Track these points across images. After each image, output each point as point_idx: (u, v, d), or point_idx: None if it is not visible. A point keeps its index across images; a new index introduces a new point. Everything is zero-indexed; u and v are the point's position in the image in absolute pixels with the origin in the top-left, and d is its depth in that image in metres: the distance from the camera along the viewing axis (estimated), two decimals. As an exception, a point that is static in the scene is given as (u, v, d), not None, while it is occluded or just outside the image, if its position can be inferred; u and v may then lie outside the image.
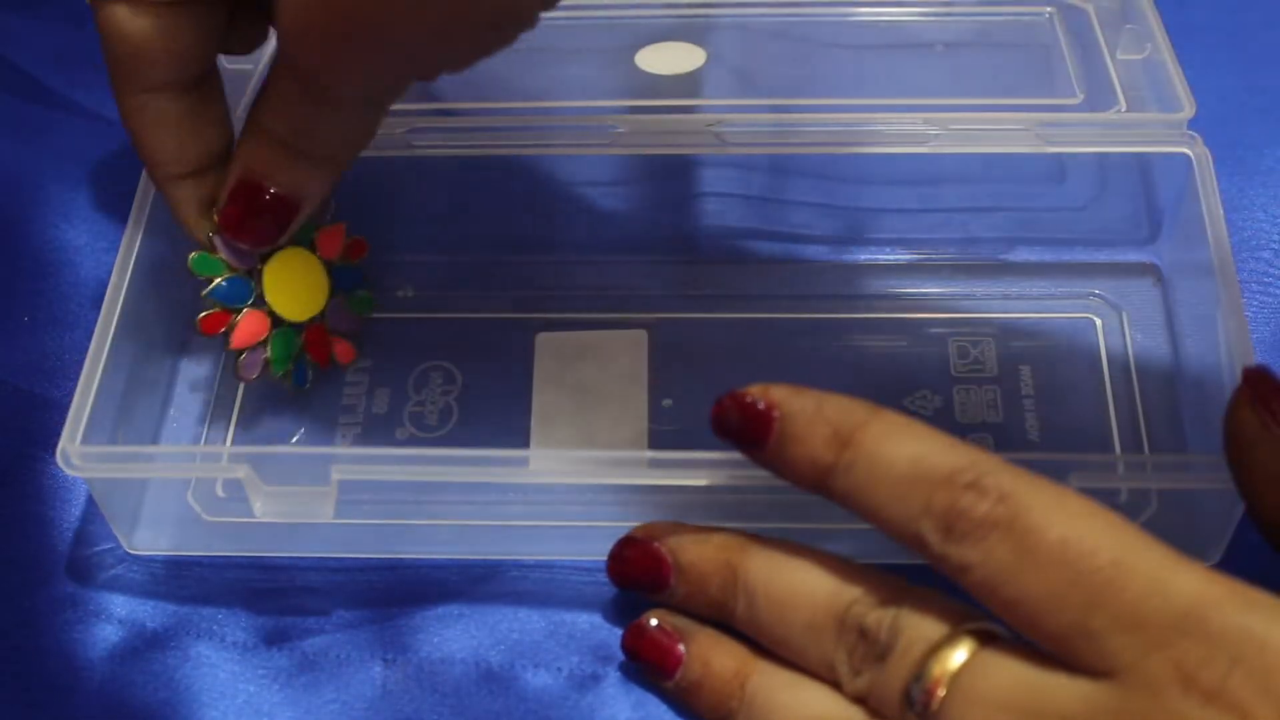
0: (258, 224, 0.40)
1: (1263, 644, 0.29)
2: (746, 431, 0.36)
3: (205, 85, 0.40)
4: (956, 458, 0.33)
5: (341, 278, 0.48)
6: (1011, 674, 0.31)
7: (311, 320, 0.47)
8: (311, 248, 0.47)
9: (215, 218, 0.42)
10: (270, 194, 0.40)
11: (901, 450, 0.33)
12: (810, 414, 0.35)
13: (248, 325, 0.45)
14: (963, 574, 0.32)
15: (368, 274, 0.49)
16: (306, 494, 0.41)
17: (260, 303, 0.45)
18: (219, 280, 0.45)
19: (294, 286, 0.46)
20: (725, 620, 0.38)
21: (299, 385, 0.47)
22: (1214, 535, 0.41)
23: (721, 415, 0.37)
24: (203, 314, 0.45)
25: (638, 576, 0.40)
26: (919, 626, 0.33)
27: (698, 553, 0.39)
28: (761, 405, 0.36)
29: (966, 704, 0.32)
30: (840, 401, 0.35)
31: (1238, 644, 0.29)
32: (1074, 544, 0.31)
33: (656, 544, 0.39)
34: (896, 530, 0.33)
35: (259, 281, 0.45)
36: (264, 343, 0.45)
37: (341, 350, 0.48)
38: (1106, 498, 0.41)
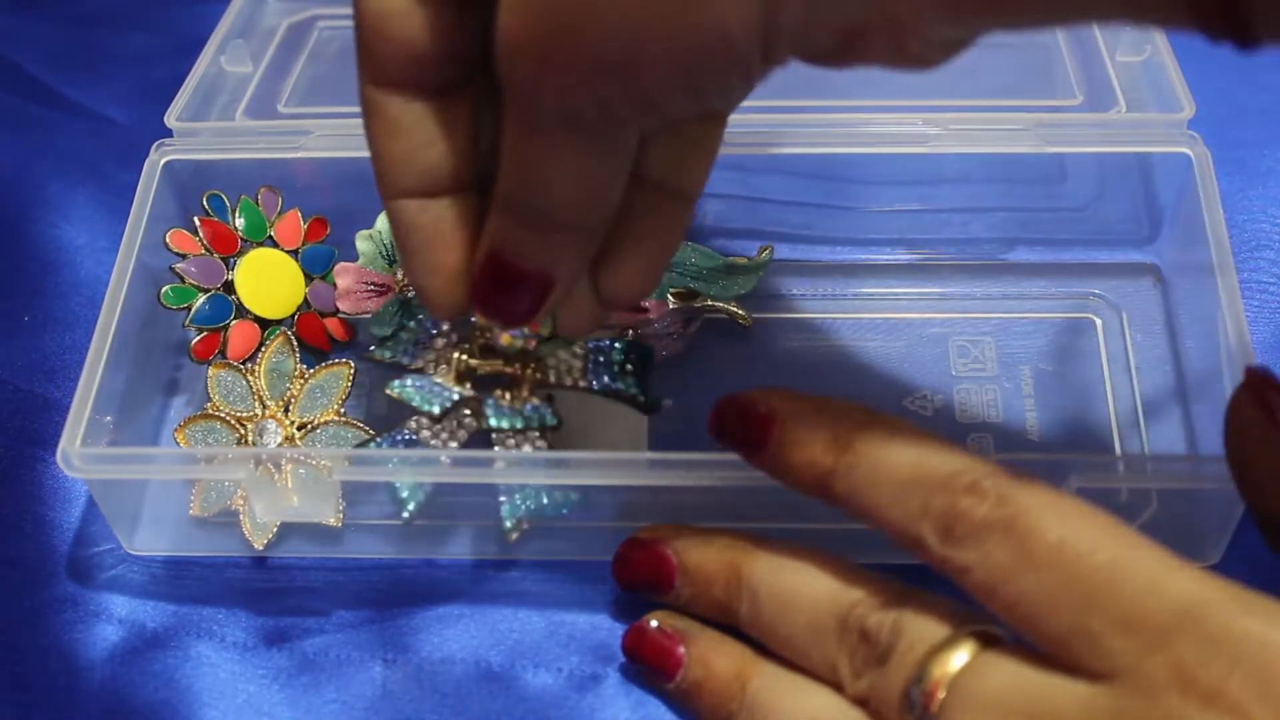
0: (509, 302, 0.34)
1: (1262, 645, 0.29)
2: (746, 436, 0.36)
3: (455, 95, 0.33)
4: (955, 461, 0.33)
5: (313, 261, 0.48)
6: (1011, 676, 0.31)
7: (298, 311, 0.48)
8: (274, 244, 0.48)
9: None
10: (519, 270, 0.34)
11: (900, 454, 0.33)
12: (809, 418, 0.35)
13: (239, 338, 0.46)
14: (962, 575, 0.32)
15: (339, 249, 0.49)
16: (307, 494, 0.41)
17: (244, 313, 0.46)
18: (198, 304, 0.45)
19: (270, 287, 0.47)
20: (729, 622, 0.38)
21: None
22: (1214, 535, 0.41)
23: (720, 419, 0.37)
24: (194, 341, 0.45)
25: (643, 578, 0.40)
26: (920, 629, 0.33)
27: (702, 555, 0.39)
28: (761, 410, 0.36)
29: (966, 706, 0.32)
30: (839, 406, 0.35)
31: (1237, 645, 0.29)
32: (1071, 545, 0.31)
33: (661, 546, 0.39)
34: (896, 532, 0.33)
35: (236, 293, 0.46)
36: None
37: (336, 329, 0.48)
38: (1106, 498, 0.41)
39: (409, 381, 0.42)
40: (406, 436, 0.42)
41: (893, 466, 0.33)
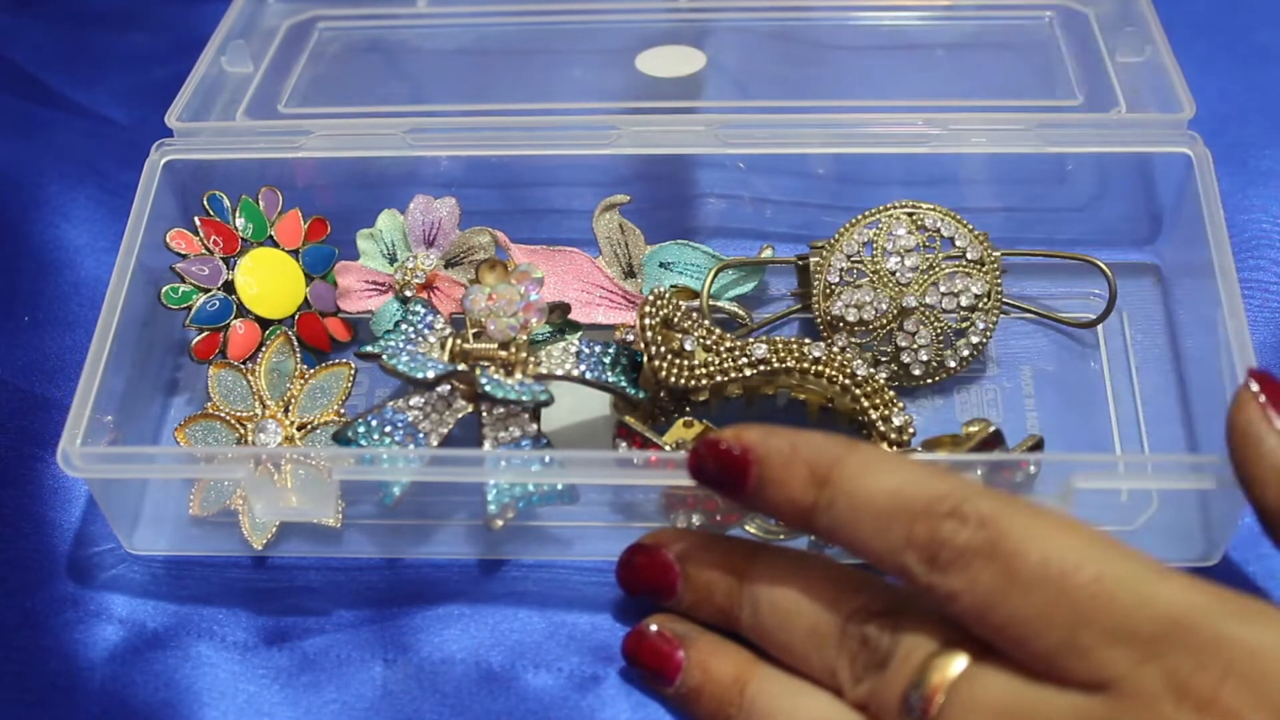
0: None
1: (1254, 652, 0.29)
2: (724, 478, 0.36)
3: None
4: (934, 486, 0.33)
5: (314, 261, 0.48)
6: (1008, 683, 0.31)
7: (299, 311, 0.48)
8: (274, 244, 0.48)
9: None
10: None
11: (879, 484, 0.33)
12: (786, 455, 0.35)
13: (240, 338, 0.46)
14: (949, 602, 0.32)
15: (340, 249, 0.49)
16: (307, 494, 0.41)
17: (244, 313, 0.46)
18: (198, 304, 0.45)
19: (270, 287, 0.47)
20: (731, 627, 0.38)
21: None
22: (1214, 535, 0.41)
23: (698, 463, 0.36)
24: (194, 341, 0.45)
25: (646, 583, 0.40)
26: (919, 635, 0.33)
27: (704, 561, 0.39)
28: (736, 450, 0.35)
29: (963, 712, 0.32)
30: (815, 439, 0.35)
31: (1228, 653, 0.29)
32: (1055, 563, 0.31)
33: (665, 551, 0.39)
34: (881, 562, 0.33)
35: (236, 293, 0.46)
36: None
37: (337, 329, 0.48)
38: (1106, 498, 0.41)
39: (403, 355, 0.42)
40: (393, 415, 0.42)
41: (872, 498, 0.33)
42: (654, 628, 0.39)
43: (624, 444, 0.41)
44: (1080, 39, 0.54)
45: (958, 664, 0.32)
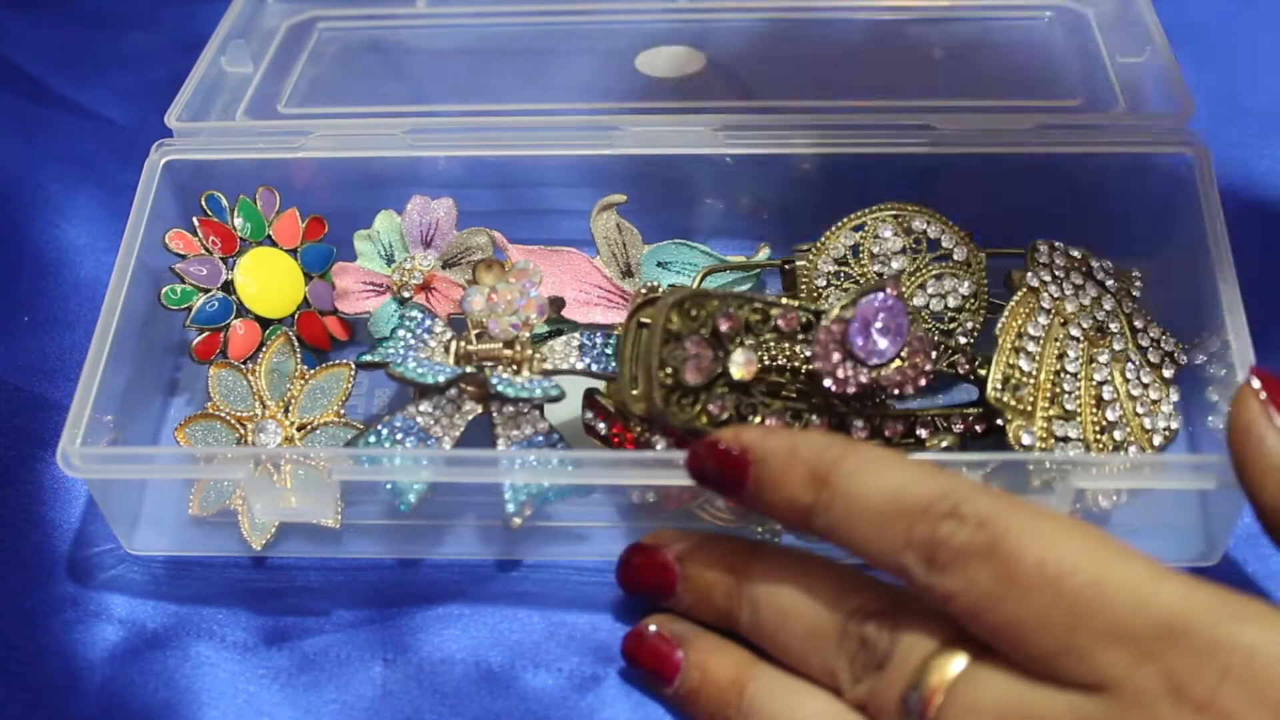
0: None
1: (1251, 653, 0.29)
2: (723, 478, 0.36)
3: None
4: (933, 486, 0.33)
5: (312, 260, 0.48)
6: (1006, 684, 0.32)
7: (298, 310, 0.48)
8: (272, 243, 0.48)
9: None
10: None
11: (878, 484, 0.33)
12: (785, 455, 0.35)
13: (240, 338, 0.46)
14: (948, 602, 0.32)
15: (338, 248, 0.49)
16: (306, 494, 0.41)
17: (244, 312, 0.46)
18: (198, 304, 0.45)
19: (270, 286, 0.47)
20: (730, 627, 0.38)
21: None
22: (1214, 535, 0.41)
23: (697, 463, 0.36)
24: (194, 341, 0.45)
25: (645, 584, 0.40)
26: (917, 636, 0.34)
27: (703, 562, 0.39)
28: (735, 451, 0.35)
29: (962, 712, 0.32)
30: (814, 439, 0.35)
31: (1226, 654, 0.29)
32: (1053, 565, 0.31)
33: (664, 552, 0.39)
34: (880, 563, 0.33)
35: (236, 293, 0.46)
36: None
37: (335, 327, 0.48)
38: (1106, 498, 0.41)
39: (409, 362, 0.42)
40: (404, 423, 0.42)
41: (870, 498, 0.33)
42: (653, 628, 0.39)
43: (589, 413, 0.41)
44: (1080, 39, 0.54)
45: (956, 664, 0.32)
